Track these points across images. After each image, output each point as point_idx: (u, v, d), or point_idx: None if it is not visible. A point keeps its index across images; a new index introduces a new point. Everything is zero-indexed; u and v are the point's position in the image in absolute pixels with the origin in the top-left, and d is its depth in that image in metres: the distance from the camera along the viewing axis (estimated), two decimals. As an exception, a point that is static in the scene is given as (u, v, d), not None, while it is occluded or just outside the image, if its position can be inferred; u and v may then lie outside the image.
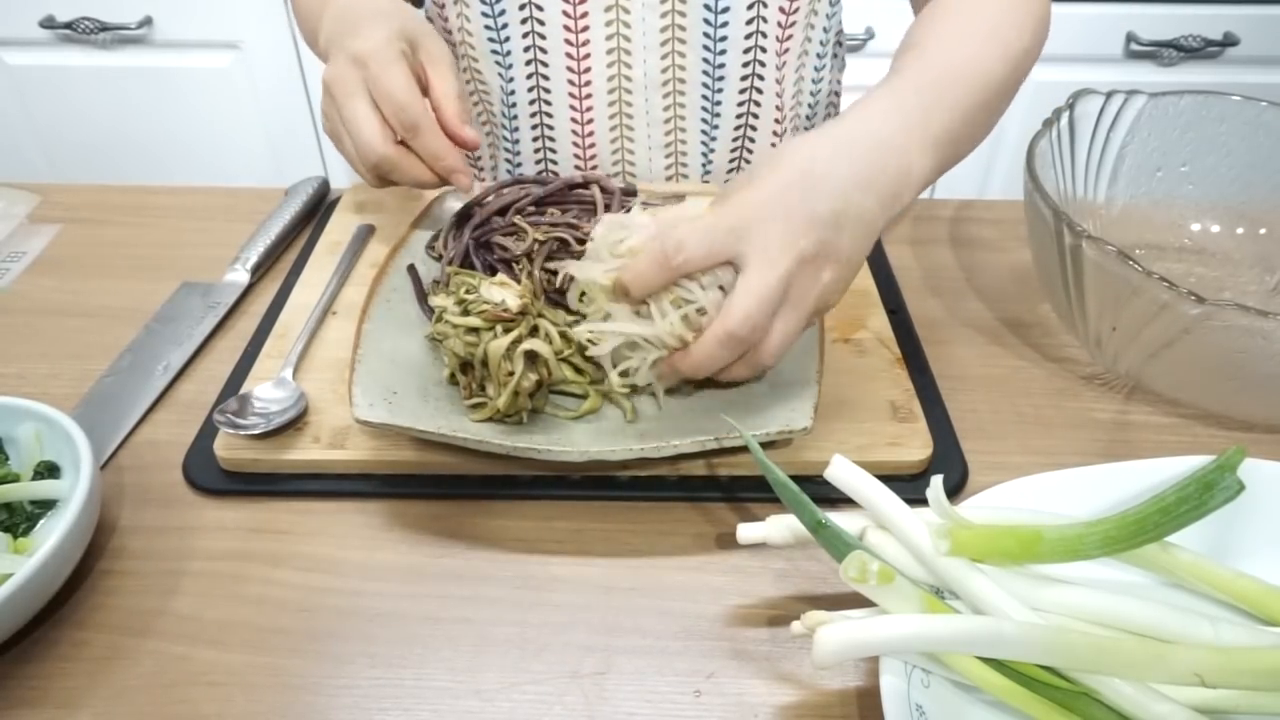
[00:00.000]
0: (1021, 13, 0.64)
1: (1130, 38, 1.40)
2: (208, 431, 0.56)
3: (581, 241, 0.62)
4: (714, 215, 0.48)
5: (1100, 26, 1.40)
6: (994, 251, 0.74)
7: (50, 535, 0.44)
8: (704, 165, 0.82)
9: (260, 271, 0.71)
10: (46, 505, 0.50)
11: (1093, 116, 0.66)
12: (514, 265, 0.62)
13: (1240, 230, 0.68)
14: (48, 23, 1.41)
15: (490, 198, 0.66)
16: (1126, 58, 1.42)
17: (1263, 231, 0.68)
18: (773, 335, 0.48)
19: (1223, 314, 0.49)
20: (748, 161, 0.83)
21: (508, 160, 0.84)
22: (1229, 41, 1.39)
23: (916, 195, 0.52)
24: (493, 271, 0.63)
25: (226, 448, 0.54)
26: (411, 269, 0.65)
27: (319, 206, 0.80)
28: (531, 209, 0.64)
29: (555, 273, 0.62)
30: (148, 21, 1.41)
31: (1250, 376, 0.52)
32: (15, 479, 0.50)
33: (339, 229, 0.73)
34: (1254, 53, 1.41)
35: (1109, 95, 0.66)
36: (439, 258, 0.66)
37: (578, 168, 0.81)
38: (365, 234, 0.72)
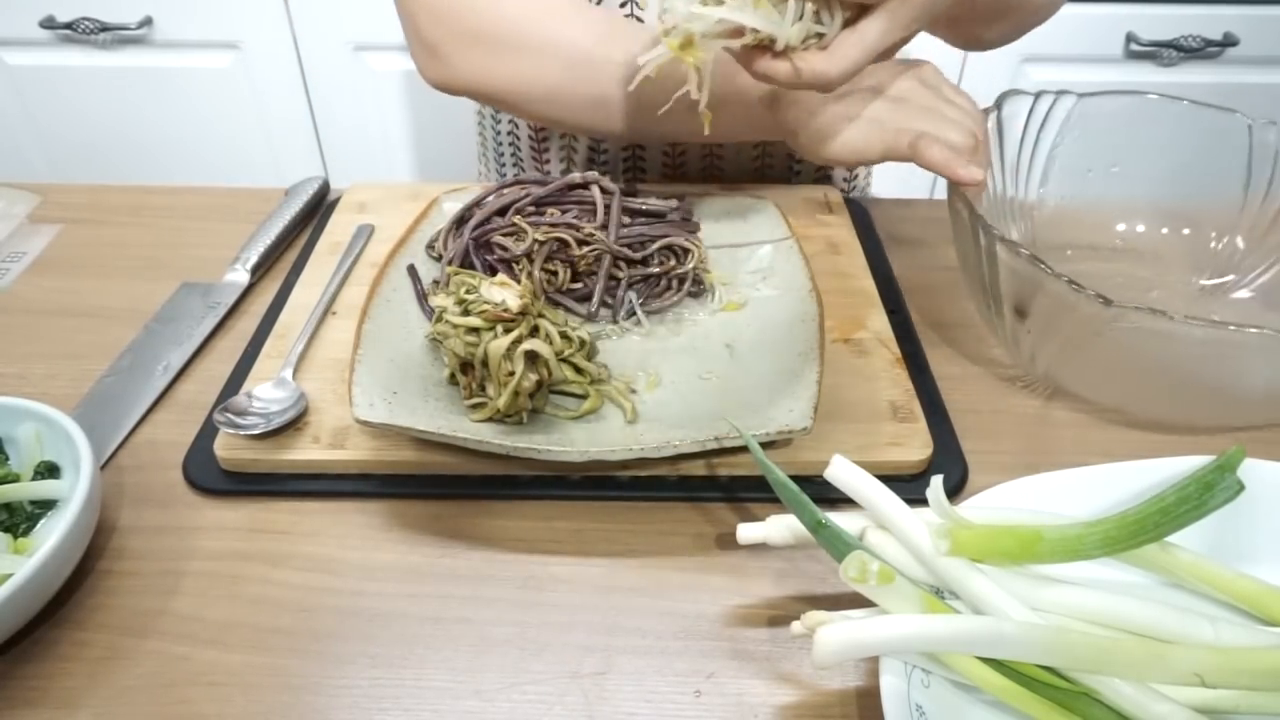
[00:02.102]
0: None
1: (1130, 38, 1.40)
2: (208, 431, 0.56)
3: (581, 242, 0.62)
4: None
5: (1100, 26, 1.40)
6: (994, 251, 0.74)
7: (50, 535, 0.44)
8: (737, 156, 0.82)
9: (260, 271, 0.71)
10: (46, 505, 0.50)
11: (1021, 117, 0.66)
12: (514, 265, 0.62)
13: (1165, 230, 0.68)
14: (48, 23, 1.41)
15: (490, 198, 0.66)
16: (1126, 58, 1.42)
17: (1186, 232, 0.67)
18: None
19: (1128, 316, 0.48)
20: (770, 153, 0.83)
21: (534, 160, 0.85)
22: (1229, 42, 1.39)
23: None
24: (493, 272, 0.63)
25: (226, 448, 0.54)
26: (411, 269, 0.65)
27: (319, 206, 0.80)
28: (531, 209, 0.64)
29: (555, 273, 0.62)
30: (148, 22, 1.41)
31: (1162, 379, 0.51)
32: (15, 479, 0.50)
33: (339, 229, 0.73)
34: (1254, 53, 1.41)
35: (1037, 95, 0.66)
36: (439, 258, 0.66)
37: (590, 162, 0.82)
38: (365, 234, 0.72)
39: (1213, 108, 0.65)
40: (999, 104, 0.65)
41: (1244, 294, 0.65)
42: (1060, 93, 0.66)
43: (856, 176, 0.91)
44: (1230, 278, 0.66)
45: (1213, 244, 0.67)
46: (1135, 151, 0.68)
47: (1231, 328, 0.46)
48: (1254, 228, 0.65)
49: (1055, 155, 0.68)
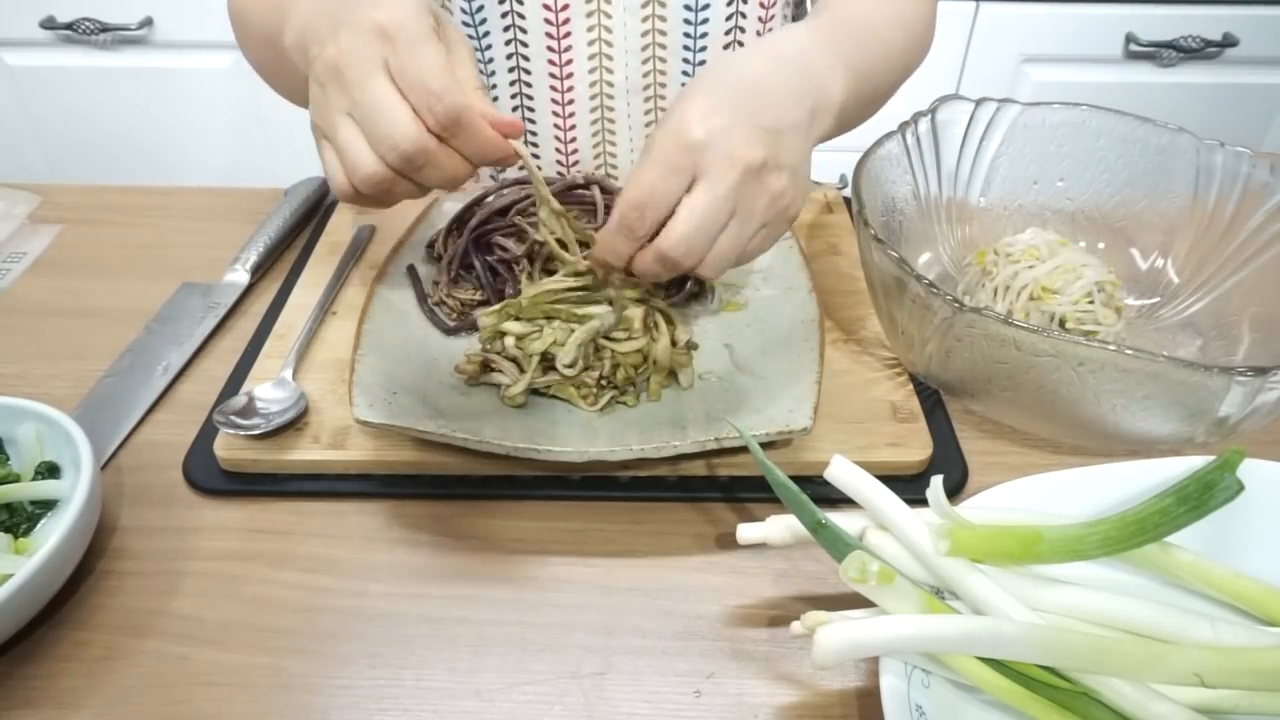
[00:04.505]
0: (924, 9, 0.71)
1: (1130, 38, 1.40)
2: (208, 432, 0.56)
3: (582, 243, 0.62)
4: (660, 152, 0.47)
5: (1100, 27, 1.40)
6: (994, 252, 0.74)
7: (51, 535, 0.44)
8: None
9: (260, 271, 0.71)
10: (47, 505, 0.50)
11: (961, 123, 0.65)
12: (514, 266, 0.62)
13: (1103, 245, 0.67)
14: (48, 23, 1.41)
15: (490, 198, 0.66)
16: (1126, 58, 1.43)
17: (1132, 251, 0.66)
18: (716, 248, 0.49)
19: (981, 322, 0.48)
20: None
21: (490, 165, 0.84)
22: (1228, 42, 1.39)
23: (834, 121, 0.53)
24: (494, 273, 0.63)
25: (226, 448, 0.54)
26: (411, 269, 0.65)
27: (319, 207, 0.80)
28: (532, 209, 0.64)
29: (555, 273, 0.62)
30: (148, 22, 1.41)
31: (1021, 388, 0.50)
32: (16, 479, 0.50)
33: (339, 229, 0.73)
34: (1253, 53, 1.41)
35: (979, 102, 0.65)
36: (439, 258, 0.66)
37: (560, 172, 0.82)
38: (365, 234, 0.72)
39: (1160, 126, 0.63)
40: (933, 109, 0.64)
41: (1173, 321, 0.63)
42: (1004, 101, 0.65)
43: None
44: (1155, 299, 0.64)
45: (1144, 265, 0.66)
46: (1080, 165, 0.67)
47: (1080, 342, 0.46)
48: (1190, 253, 0.64)
49: (998, 164, 0.67)
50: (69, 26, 1.41)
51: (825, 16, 0.59)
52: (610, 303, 0.55)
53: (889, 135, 0.62)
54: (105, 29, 1.41)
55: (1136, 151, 0.65)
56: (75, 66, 1.46)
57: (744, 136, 0.46)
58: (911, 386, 0.58)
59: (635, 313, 0.55)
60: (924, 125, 0.64)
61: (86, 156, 1.56)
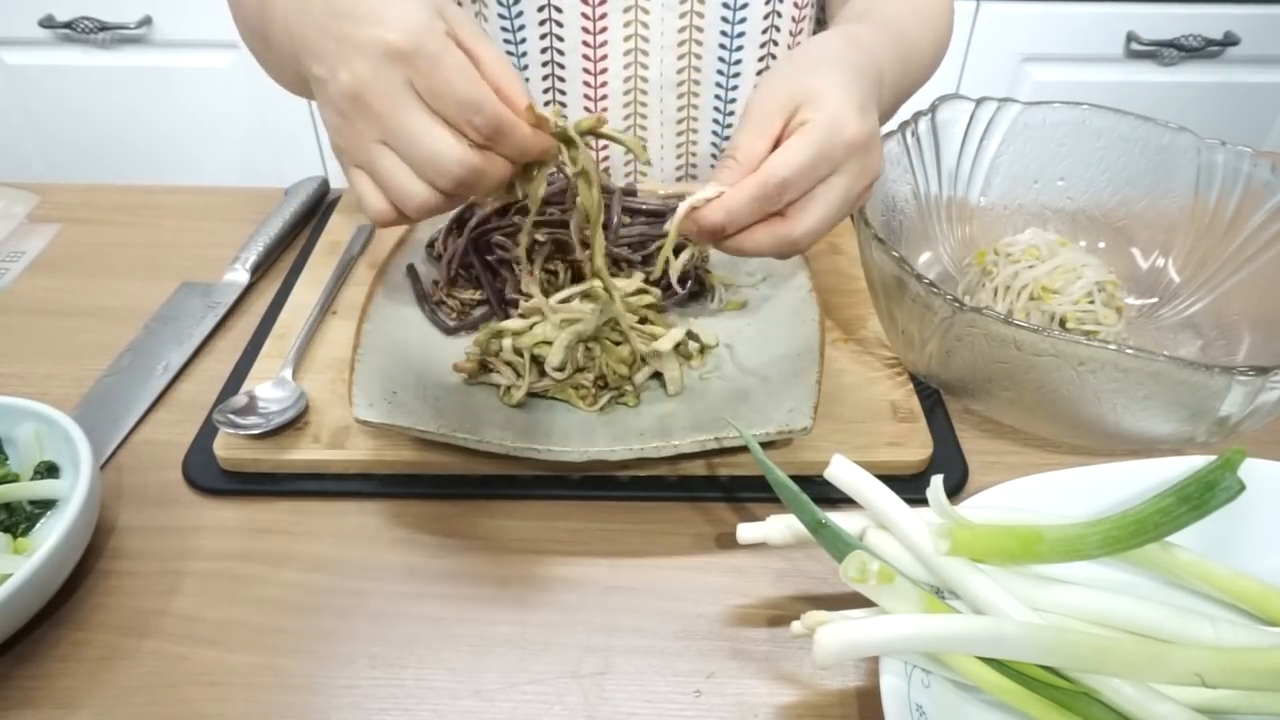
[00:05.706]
0: (946, 19, 0.73)
1: (1130, 38, 1.40)
2: (208, 431, 0.56)
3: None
4: (819, 138, 0.46)
5: (1100, 26, 1.40)
6: (994, 251, 0.74)
7: (50, 535, 0.44)
8: (713, 165, 0.82)
9: (260, 271, 0.71)
10: (46, 505, 0.50)
11: (961, 123, 0.65)
12: (514, 265, 0.62)
13: (1103, 244, 0.67)
14: (47, 22, 1.41)
15: (490, 197, 0.66)
16: (1127, 57, 1.42)
17: (1133, 250, 0.66)
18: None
19: (981, 321, 0.48)
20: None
21: None
22: (1229, 41, 1.39)
23: None
24: (493, 272, 0.63)
25: (226, 448, 0.54)
26: (411, 269, 0.65)
27: (319, 206, 0.80)
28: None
29: (555, 273, 0.62)
30: (147, 21, 1.41)
31: (1021, 388, 0.50)
32: (15, 479, 0.50)
33: (339, 229, 0.73)
34: (1254, 52, 1.41)
35: (979, 102, 0.65)
36: (439, 257, 0.66)
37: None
38: (365, 234, 0.72)
39: (1161, 125, 0.63)
40: (933, 108, 0.64)
41: (1173, 321, 0.63)
42: (1004, 100, 0.65)
43: None
44: (1156, 299, 0.64)
45: (1145, 265, 0.66)
46: (1081, 165, 0.66)
47: (1080, 342, 0.45)
48: (1191, 253, 0.63)
49: (998, 164, 0.67)
50: (68, 25, 1.41)
51: (878, 25, 0.59)
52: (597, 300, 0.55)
53: (889, 135, 0.62)
54: (104, 28, 1.41)
55: (1137, 151, 0.65)
56: (74, 65, 1.46)
57: (879, 147, 0.49)
58: (911, 386, 0.58)
59: (628, 317, 0.55)
60: (924, 125, 0.64)
61: (86, 156, 1.56)
